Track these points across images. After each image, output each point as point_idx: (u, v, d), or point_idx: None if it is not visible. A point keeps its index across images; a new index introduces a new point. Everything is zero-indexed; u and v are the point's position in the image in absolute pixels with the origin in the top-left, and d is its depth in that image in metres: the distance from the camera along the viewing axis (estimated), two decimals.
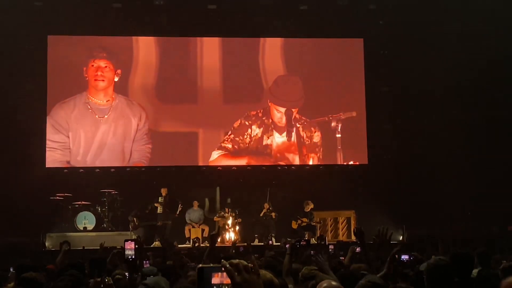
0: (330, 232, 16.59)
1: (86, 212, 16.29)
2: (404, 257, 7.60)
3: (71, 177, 16.78)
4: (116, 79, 16.33)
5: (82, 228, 16.07)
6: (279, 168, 17.90)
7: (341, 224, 16.67)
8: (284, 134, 16.59)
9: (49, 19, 16.77)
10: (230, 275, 2.04)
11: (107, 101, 15.58)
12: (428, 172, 17.28)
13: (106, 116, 15.50)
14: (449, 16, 17.36)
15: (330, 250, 10.28)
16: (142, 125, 15.86)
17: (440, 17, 17.43)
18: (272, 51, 18.00)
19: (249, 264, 2.07)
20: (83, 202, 16.30)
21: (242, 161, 16.67)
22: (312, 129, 16.96)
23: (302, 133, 16.83)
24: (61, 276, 5.78)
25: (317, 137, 16.93)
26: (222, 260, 2.07)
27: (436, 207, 16.73)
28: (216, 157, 16.65)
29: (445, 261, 4.61)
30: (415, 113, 17.69)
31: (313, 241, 15.10)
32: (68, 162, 15.69)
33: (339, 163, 17.05)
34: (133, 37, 16.88)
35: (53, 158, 15.75)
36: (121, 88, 16.08)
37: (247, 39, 18.05)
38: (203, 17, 17.22)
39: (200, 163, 17.45)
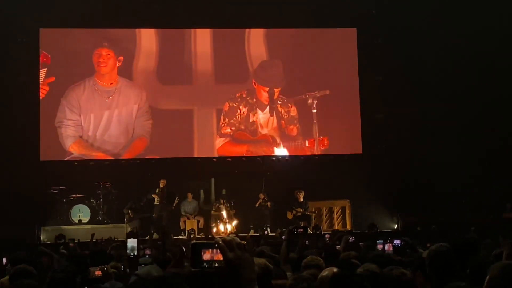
0: (325, 222, 16.62)
1: (81, 205, 16.31)
2: (396, 241, 7.66)
3: (66, 170, 16.75)
4: (118, 65, 17.58)
5: (77, 221, 16.08)
6: (274, 158, 17.94)
7: (336, 213, 16.70)
8: (266, 110, 17.83)
9: (42, 11, 16.72)
10: (222, 252, 2.03)
11: (111, 83, 17.28)
12: (422, 160, 17.31)
13: (111, 97, 17.16)
14: (444, 5, 17.34)
15: (326, 239, 10.32)
16: (143, 104, 17.35)
17: (435, 5, 17.42)
18: (264, 41, 18.22)
19: (243, 242, 2.06)
20: (77, 195, 16.31)
21: (243, 148, 17.77)
22: (289, 105, 18.00)
23: (280, 109, 17.92)
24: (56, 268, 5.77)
25: (293, 111, 17.96)
26: (216, 237, 2.06)
27: (431, 195, 16.77)
28: (221, 144, 17.69)
29: (446, 247, 4.66)
30: (409, 102, 17.68)
31: (308, 231, 15.14)
32: (81, 137, 17.05)
33: (314, 135, 17.81)
34: (136, 29, 17.83)
35: (67, 133, 17.05)
36: (125, 72, 17.52)
37: (240, 29, 18.20)
38: (198, 7, 17.55)
39: (196, 146, 17.69)
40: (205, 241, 2.15)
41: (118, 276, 6.05)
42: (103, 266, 5.17)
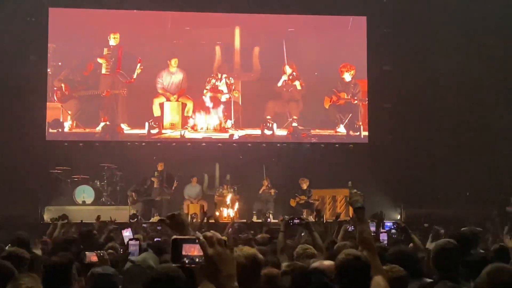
0: (328, 210, 16.58)
1: (85, 186, 16.35)
2: (388, 224, 7.65)
3: (71, 151, 16.80)
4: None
5: (80, 202, 16.12)
6: (279, 145, 17.95)
7: (339, 202, 16.66)
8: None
9: None
10: (203, 247, 2.03)
11: None
12: (427, 152, 17.27)
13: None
14: None
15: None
16: None
17: None
18: (272, 28, 18.26)
19: (224, 238, 2.07)
20: (82, 176, 16.33)
21: None
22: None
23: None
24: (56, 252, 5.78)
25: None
26: (197, 232, 2.06)
27: (435, 187, 16.73)
28: None
29: (453, 244, 4.68)
30: (417, 93, 17.59)
31: (311, 219, 15.10)
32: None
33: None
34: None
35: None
36: None
37: (249, 15, 18.18)
38: None
39: None
40: (186, 237, 2.15)
41: (115, 258, 6.04)
42: (99, 251, 5.16)
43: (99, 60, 17.60)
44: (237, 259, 3.47)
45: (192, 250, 2.08)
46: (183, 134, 17.69)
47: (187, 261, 2.09)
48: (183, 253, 2.09)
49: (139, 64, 17.58)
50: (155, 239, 7.63)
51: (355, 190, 4.32)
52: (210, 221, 11.51)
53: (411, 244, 6.44)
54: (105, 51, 17.58)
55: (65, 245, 7.38)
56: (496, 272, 2.50)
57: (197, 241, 2.07)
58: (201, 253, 2.06)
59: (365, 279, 3.77)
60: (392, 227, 7.48)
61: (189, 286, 2.84)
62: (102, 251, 5.44)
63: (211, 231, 2.11)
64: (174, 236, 2.14)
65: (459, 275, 4.66)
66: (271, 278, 4.23)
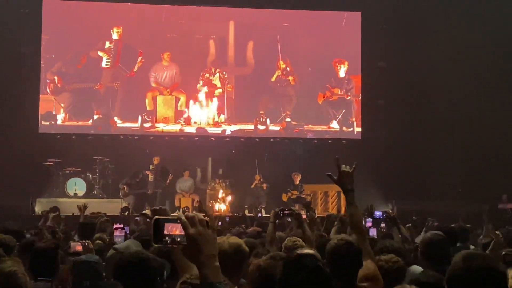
0: (320, 206, 16.59)
1: (77, 178, 16.29)
2: (377, 213, 7.68)
3: (63, 143, 16.75)
4: None
5: (72, 194, 16.06)
6: (272, 140, 17.94)
7: (331, 197, 16.66)
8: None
9: None
10: (184, 227, 2.04)
11: None
12: (420, 149, 17.28)
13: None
14: None
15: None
16: None
17: None
18: (266, 22, 18.25)
19: (205, 218, 2.07)
20: (74, 168, 16.28)
21: None
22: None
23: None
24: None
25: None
26: (178, 213, 2.06)
27: (427, 183, 16.75)
28: None
29: (441, 236, 4.70)
30: (410, 90, 17.60)
31: (303, 213, 15.09)
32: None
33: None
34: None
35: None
36: None
37: (243, 9, 18.16)
38: None
39: None
40: (168, 217, 2.14)
41: (101, 247, 6.03)
42: (84, 241, 5.14)
43: (100, 53, 17.51)
44: (220, 246, 3.47)
45: (174, 230, 2.09)
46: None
47: (168, 241, 2.08)
48: (165, 232, 2.08)
49: (140, 57, 17.52)
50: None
51: (347, 167, 4.28)
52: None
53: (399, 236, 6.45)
54: (107, 44, 17.49)
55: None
56: (470, 257, 2.52)
57: (178, 221, 2.06)
58: (183, 233, 2.06)
59: (357, 264, 3.78)
60: (381, 216, 7.50)
61: (162, 268, 2.82)
62: (87, 241, 5.41)
63: (193, 211, 2.11)
64: (156, 216, 2.14)
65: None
66: (258, 267, 4.22)
